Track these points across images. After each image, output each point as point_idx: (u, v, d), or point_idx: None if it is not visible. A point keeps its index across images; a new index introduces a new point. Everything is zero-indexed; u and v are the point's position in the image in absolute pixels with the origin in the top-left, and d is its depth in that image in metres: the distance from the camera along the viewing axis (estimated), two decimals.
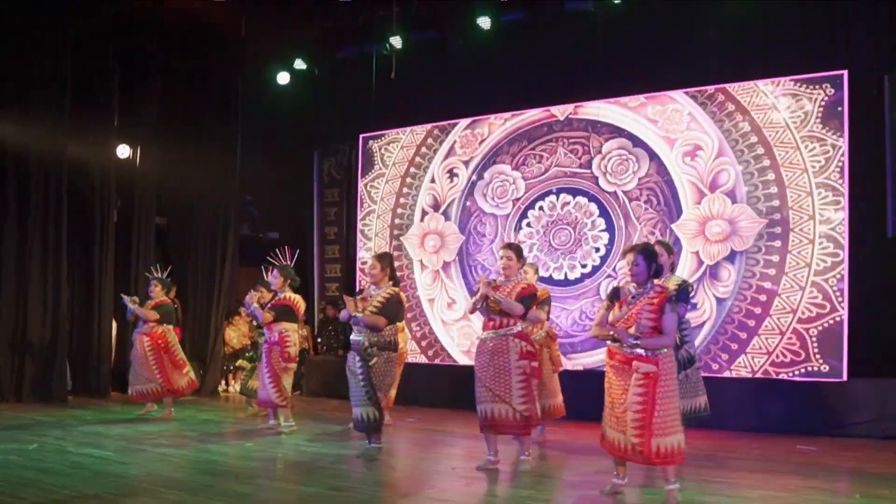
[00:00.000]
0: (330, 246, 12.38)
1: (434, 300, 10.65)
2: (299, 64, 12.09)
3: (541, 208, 10.03)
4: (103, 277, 10.99)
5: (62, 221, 10.40)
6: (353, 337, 6.89)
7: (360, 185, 11.48)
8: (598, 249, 9.62)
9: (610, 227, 9.58)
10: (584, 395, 7.75)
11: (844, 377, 8.24)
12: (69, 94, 10.43)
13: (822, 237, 8.45)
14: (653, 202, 9.34)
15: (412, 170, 11.04)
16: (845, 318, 8.26)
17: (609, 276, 9.45)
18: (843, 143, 8.38)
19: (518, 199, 10.17)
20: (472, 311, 6.51)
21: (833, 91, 8.46)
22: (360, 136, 11.52)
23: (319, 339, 12.25)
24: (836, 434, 8.18)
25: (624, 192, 9.49)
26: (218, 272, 11.86)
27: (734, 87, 8.97)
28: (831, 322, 8.32)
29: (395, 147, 11.22)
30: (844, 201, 8.36)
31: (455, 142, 10.69)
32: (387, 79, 11.38)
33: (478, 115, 10.57)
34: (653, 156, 9.36)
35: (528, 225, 10.08)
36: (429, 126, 10.95)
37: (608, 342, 5.36)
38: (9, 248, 10.17)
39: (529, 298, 6.29)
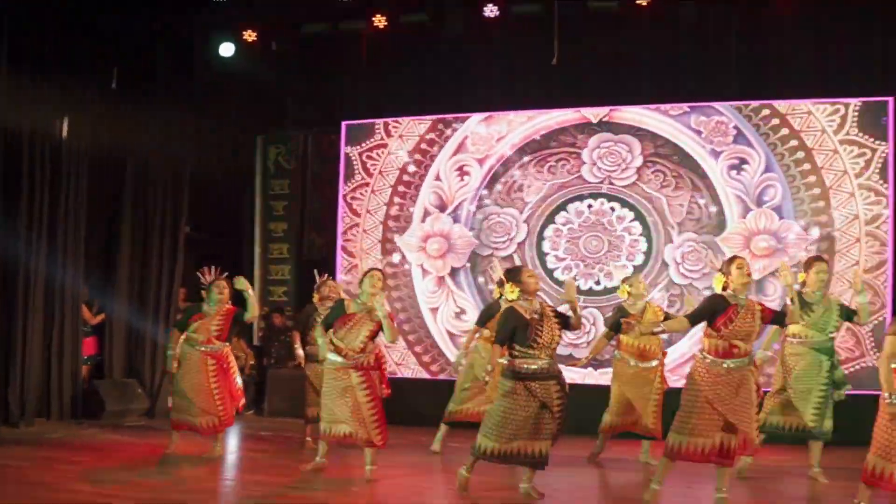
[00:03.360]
0: (276, 245, 10.97)
1: (438, 309, 9.71)
2: (249, 36, 10.59)
3: (570, 213, 9.52)
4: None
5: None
6: (552, 364, 5.89)
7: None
8: (634, 259, 9.29)
9: (647, 237, 9.27)
10: None
11: None
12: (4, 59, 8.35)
13: (865, 285, 8.61)
14: (694, 213, 9.16)
15: (411, 166, 10.00)
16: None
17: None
18: (891, 185, 8.69)
19: (542, 204, 9.57)
20: None
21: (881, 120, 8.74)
22: (343, 123, 10.25)
23: (266, 351, 10.78)
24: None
25: (664, 202, 9.23)
26: (162, 274, 10.01)
27: (781, 104, 9.01)
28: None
29: (390, 139, 10.11)
30: (890, 245, 8.68)
31: (467, 137, 9.83)
32: (370, 61, 10.30)
33: (490, 111, 9.80)
34: (696, 167, 9.18)
35: (555, 232, 9.54)
36: (428, 118, 9.98)
37: None
38: None
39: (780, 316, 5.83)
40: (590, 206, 9.51)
